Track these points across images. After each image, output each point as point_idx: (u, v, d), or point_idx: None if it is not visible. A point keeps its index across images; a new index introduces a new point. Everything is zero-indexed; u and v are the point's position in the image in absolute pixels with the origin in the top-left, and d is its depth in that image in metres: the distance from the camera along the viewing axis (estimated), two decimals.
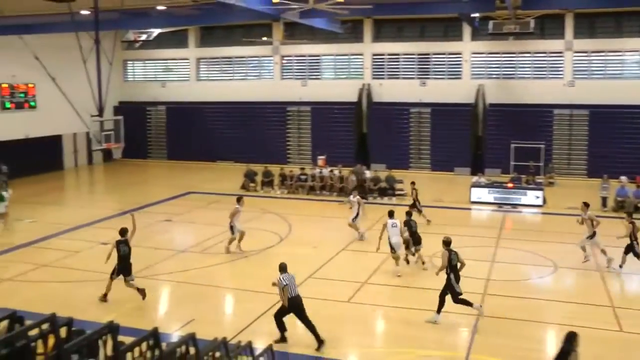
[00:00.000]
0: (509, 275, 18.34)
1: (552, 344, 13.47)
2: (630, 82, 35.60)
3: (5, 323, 5.55)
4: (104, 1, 25.18)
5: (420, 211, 24.53)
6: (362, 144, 39.85)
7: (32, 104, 38.76)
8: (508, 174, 32.98)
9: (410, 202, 25.10)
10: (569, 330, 9.61)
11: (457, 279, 14.71)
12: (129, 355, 5.62)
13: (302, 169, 32.81)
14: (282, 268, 13.98)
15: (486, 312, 14.89)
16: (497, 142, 36.40)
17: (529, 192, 28.67)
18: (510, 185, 29.24)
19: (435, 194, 29.96)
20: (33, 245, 22.08)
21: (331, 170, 31.99)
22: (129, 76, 47.83)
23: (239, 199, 21.50)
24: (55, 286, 17.70)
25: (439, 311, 14.70)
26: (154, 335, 5.93)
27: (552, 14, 34.34)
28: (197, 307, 15.89)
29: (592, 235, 19.14)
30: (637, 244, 18.26)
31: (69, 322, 5.90)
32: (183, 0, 29.85)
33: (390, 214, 19.39)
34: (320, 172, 31.93)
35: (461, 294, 14.63)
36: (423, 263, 19.11)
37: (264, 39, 37.51)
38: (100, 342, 5.49)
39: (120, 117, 28.33)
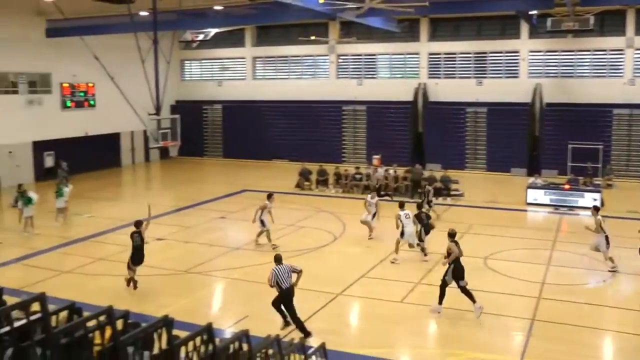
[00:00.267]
0: (564, 279, 17.91)
1: (608, 352, 13.18)
2: None
3: (64, 313, 5.65)
4: (163, 2, 25.55)
5: (430, 206, 24.45)
6: (418, 144, 39.60)
7: (92, 102, 39.64)
8: (565, 176, 32.35)
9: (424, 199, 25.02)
10: None
11: (460, 269, 14.96)
12: (182, 349, 5.66)
13: (357, 168, 32.74)
14: (277, 259, 14.32)
15: (541, 317, 14.62)
16: (554, 142, 35.75)
17: (586, 194, 27.97)
18: (567, 187, 28.59)
19: (491, 195, 29.59)
20: (91, 240, 22.52)
21: (386, 170, 31.84)
22: (186, 75, 48.47)
23: (270, 196, 21.91)
24: (111, 279, 18.00)
25: (473, 300, 14.77)
26: (208, 331, 5.96)
27: (613, 10, 33.54)
28: (250, 304, 15.97)
29: (607, 241, 18.45)
30: None
31: (126, 315, 5.98)
32: (240, 0, 30.13)
33: (401, 206, 20.16)
34: (376, 172, 31.80)
35: (447, 285, 14.95)
36: (425, 255, 19.71)
37: (312, 38, 37.54)
38: (155, 336, 5.55)
39: (177, 116, 28.68)
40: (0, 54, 33.32)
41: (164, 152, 31.53)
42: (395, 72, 42.14)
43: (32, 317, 4.63)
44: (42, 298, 4.76)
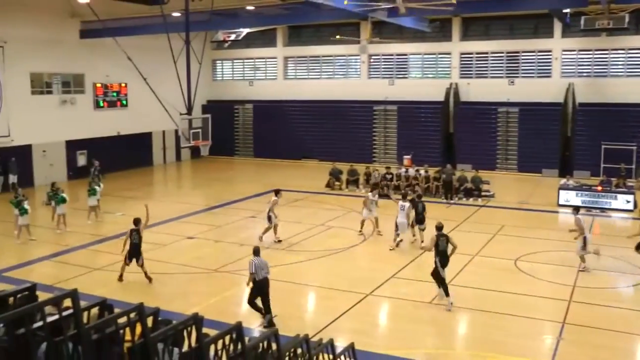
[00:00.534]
0: (596, 283, 17.65)
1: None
2: None
3: (95, 310, 5.72)
4: (195, 3, 25.72)
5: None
6: (449, 144, 39.42)
7: (124, 102, 40.08)
8: (597, 177, 31.90)
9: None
10: None
11: (444, 263, 15.46)
12: (212, 347, 5.70)
13: (388, 168, 32.64)
14: (256, 252, 14.76)
15: (572, 320, 14.46)
16: (586, 143, 35.32)
17: (619, 195, 27.56)
18: (599, 188, 28.15)
19: (522, 196, 29.35)
20: (122, 237, 22.68)
21: (417, 170, 31.72)
22: (218, 75, 48.75)
23: (277, 192, 22.43)
24: (141, 277, 18.15)
25: (439, 287, 15.57)
26: (238, 329, 5.99)
27: None
28: (279, 304, 15.97)
29: (584, 241, 18.45)
30: None
31: (156, 312, 6.03)
32: (272, 0, 30.23)
33: (403, 196, 21.93)
34: (406, 172, 31.69)
35: (444, 279, 15.44)
36: (422, 241, 20.64)
37: (338, 37, 37.56)
38: (184, 333, 5.60)
39: (208, 115, 28.83)
40: (35, 56, 33.88)
41: (195, 152, 31.72)
42: (426, 72, 41.96)
43: (65, 313, 4.70)
44: (74, 294, 4.82)
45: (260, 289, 14.46)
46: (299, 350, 7.66)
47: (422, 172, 31.38)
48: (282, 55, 45.59)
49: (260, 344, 6.65)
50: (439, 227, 15.96)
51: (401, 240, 21.17)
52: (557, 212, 27.32)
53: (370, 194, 23.73)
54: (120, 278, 17.68)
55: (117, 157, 37.74)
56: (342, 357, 9.40)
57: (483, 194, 29.68)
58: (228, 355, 5.82)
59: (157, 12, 25.97)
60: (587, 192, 27.98)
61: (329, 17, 33.31)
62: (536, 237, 22.26)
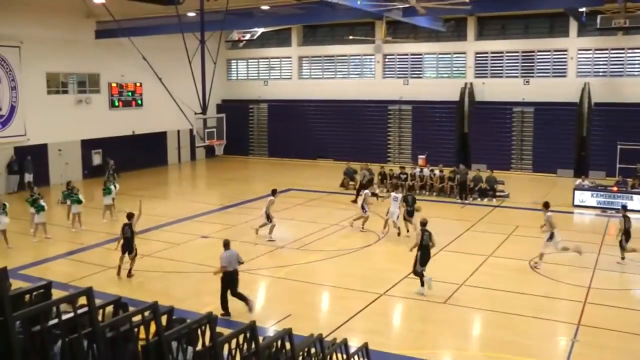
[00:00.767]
0: (611, 284, 17.57)
1: None
2: None
3: (110, 308, 5.74)
4: (210, 2, 25.78)
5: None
6: (463, 144, 39.31)
7: (139, 102, 40.25)
8: (613, 177, 31.68)
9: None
10: None
11: (425, 257, 16.26)
12: (226, 346, 5.71)
13: (402, 168, 32.58)
14: (226, 244, 15.51)
15: (587, 322, 14.37)
16: (602, 143, 35.09)
17: (635, 196, 27.28)
18: (615, 189, 27.96)
19: (537, 196, 29.19)
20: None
21: (432, 170, 31.65)
22: (232, 75, 48.84)
23: (274, 192, 23.23)
24: (155, 276, 18.24)
25: (422, 284, 16.32)
26: (251, 329, 6.00)
27: None
28: (293, 303, 16.04)
29: (551, 237, 18.66)
30: None
31: (170, 311, 6.04)
32: (287, 0, 30.25)
33: (395, 187, 24.57)
34: (421, 172, 31.63)
35: (420, 271, 16.24)
36: (407, 231, 22.49)
37: (350, 37, 37.55)
38: (199, 332, 5.61)
39: (223, 115, 28.87)
40: (51, 56, 34.12)
41: (210, 151, 31.76)
42: (441, 71, 41.85)
43: (80, 311, 4.72)
44: (89, 292, 4.85)
45: (230, 281, 15.08)
46: (313, 350, 7.66)
47: (436, 172, 31.30)
48: (297, 55, 45.62)
49: (274, 343, 6.65)
50: (424, 223, 16.75)
51: (399, 234, 22.54)
52: (572, 212, 27.16)
53: (366, 191, 24.57)
54: (118, 272, 18.05)
55: (132, 157, 37.94)
56: (356, 357, 9.40)
57: (498, 194, 29.58)
58: (242, 355, 5.83)
59: (172, 12, 26.05)
60: (602, 193, 27.83)
61: (343, 16, 33.31)
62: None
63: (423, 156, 37.03)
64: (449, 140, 39.26)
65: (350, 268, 19.04)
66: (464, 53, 40.16)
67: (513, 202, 28.70)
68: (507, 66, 39.35)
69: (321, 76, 45.39)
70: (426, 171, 31.58)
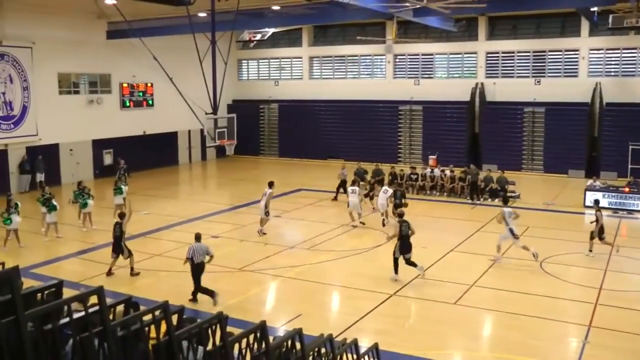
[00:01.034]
0: (623, 286, 17.46)
1: None
2: None
3: (121, 307, 5.76)
4: (221, 3, 25.84)
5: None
6: (474, 144, 39.23)
7: (150, 102, 40.38)
8: (625, 178, 31.57)
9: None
10: None
11: (404, 246, 17.32)
12: (236, 345, 5.72)
13: (413, 168, 32.53)
14: (197, 237, 16.24)
15: (598, 324, 14.28)
16: (613, 143, 34.92)
17: None
18: (626, 189, 27.79)
19: (548, 197, 29.11)
20: (147, 236, 22.90)
21: (442, 170, 31.59)
22: (243, 75, 48.91)
23: (271, 184, 23.36)
24: (166, 275, 18.29)
25: (396, 272, 17.44)
26: (262, 328, 6.00)
27: None
28: (304, 303, 16.04)
29: (511, 232, 19.15)
30: None
31: (181, 310, 6.06)
32: (297, 0, 30.27)
33: (389, 183, 26.19)
34: (431, 172, 31.58)
35: (397, 258, 17.36)
36: (384, 225, 23.59)
37: (358, 38, 37.56)
38: (209, 332, 5.62)
39: (233, 115, 28.98)
40: (63, 56, 34.27)
41: (221, 151, 31.92)
42: (452, 71, 41.78)
43: (91, 310, 4.74)
44: (100, 291, 4.86)
45: (195, 270, 15.75)
46: (323, 350, 7.66)
47: (447, 172, 31.26)
48: (308, 55, 45.64)
49: (284, 343, 6.66)
50: (401, 215, 18.15)
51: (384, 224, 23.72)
52: (583, 213, 26.99)
53: (355, 186, 25.28)
54: (108, 273, 18.19)
55: (143, 157, 38.07)
56: (366, 357, 9.39)
57: (508, 194, 29.45)
58: (252, 354, 5.84)
59: (183, 13, 26.14)
60: (614, 194, 27.66)
61: (354, 17, 33.31)
62: (562, 239, 22.08)
63: (434, 156, 36.99)
64: (460, 140, 39.20)
65: (360, 268, 19.03)
66: (475, 53, 40.07)
67: (524, 203, 28.55)
68: (518, 66, 39.24)
69: (332, 76, 45.39)
70: (437, 171, 31.52)
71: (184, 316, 6.31)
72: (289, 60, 46.80)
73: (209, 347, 5.56)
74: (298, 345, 6.77)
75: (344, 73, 44.98)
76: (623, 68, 36.60)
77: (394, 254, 17.47)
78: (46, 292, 5.68)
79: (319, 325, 12.80)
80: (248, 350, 5.81)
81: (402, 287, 17.00)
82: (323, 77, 45.78)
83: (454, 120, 39.92)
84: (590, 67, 37.15)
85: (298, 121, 44.17)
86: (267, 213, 22.81)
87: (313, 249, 21.24)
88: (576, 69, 37.47)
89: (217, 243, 22.05)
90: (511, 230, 19.06)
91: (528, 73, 38.85)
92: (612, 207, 27.11)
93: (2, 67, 31.34)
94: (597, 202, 21.53)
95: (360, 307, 15.45)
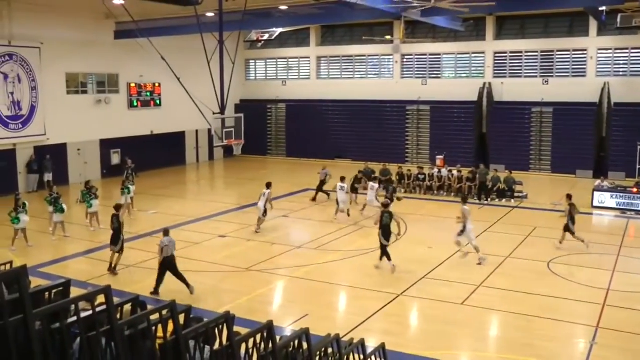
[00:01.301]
0: (631, 287, 17.33)
1: None
2: None
3: (128, 306, 5.78)
4: (228, 3, 25.85)
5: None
6: (482, 144, 39.16)
7: (158, 102, 40.47)
8: (633, 178, 31.45)
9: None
10: None
11: (385, 233, 18.34)
12: (243, 345, 5.72)
13: (421, 168, 32.48)
14: (165, 232, 16.67)
15: (606, 325, 14.23)
16: (622, 143, 34.79)
17: None
18: (635, 190, 27.64)
19: (555, 197, 29.01)
20: (155, 235, 22.89)
21: (450, 171, 31.54)
22: (251, 75, 48.95)
23: (269, 185, 24.06)
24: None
25: (381, 258, 18.48)
26: (269, 328, 6.00)
27: None
28: (311, 303, 16.05)
29: (463, 230, 19.46)
30: None
31: (188, 310, 6.07)
32: (305, 0, 30.28)
33: (374, 179, 28.52)
34: (439, 172, 31.52)
35: (386, 245, 18.35)
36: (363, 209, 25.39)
37: (364, 38, 37.55)
38: (216, 331, 5.62)
39: (241, 115, 28.95)
40: (71, 56, 34.40)
41: (228, 151, 31.89)
42: (460, 71, 41.71)
43: (98, 309, 4.75)
44: (107, 290, 4.87)
45: (167, 265, 16.28)
46: (330, 350, 7.66)
47: (454, 172, 31.20)
48: (315, 55, 45.64)
49: (291, 343, 6.66)
50: (385, 205, 19.21)
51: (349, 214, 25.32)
52: (591, 214, 26.92)
53: (343, 183, 25.80)
54: (110, 268, 18.42)
55: (151, 156, 38.12)
56: (373, 357, 9.39)
57: (516, 195, 29.43)
58: (259, 354, 5.84)
59: (191, 13, 26.14)
60: (622, 194, 27.55)
61: (362, 16, 33.30)
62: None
63: (441, 157, 36.93)
64: (467, 140, 39.13)
65: (367, 268, 19.02)
66: (483, 53, 40.00)
67: (531, 203, 28.53)
68: (526, 66, 39.14)
69: (339, 76, 45.38)
70: (444, 172, 31.47)
71: (191, 315, 6.33)
72: (297, 60, 46.82)
73: (216, 346, 5.56)
74: (305, 345, 6.77)
75: (351, 73, 44.96)
76: (631, 68, 36.45)
77: (381, 243, 18.43)
78: (54, 291, 5.69)
79: (326, 325, 12.81)
80: (255, 350, 5.81)
81: (409, 287, 17.00)
82: (330, 77, 45.77)
83: (462, 120, 39.87)
84: (599, 67, 37.03)
85: (305, 121, 44.17)
86: (264, 213, 23.29)
87: (320, 249, 21.24)
88: (584, 68, 37.36)
89: (225, 243, 22.13)
90: (464, 228, 19.39)
91: (536, 73, 38.75)
92: (621, 207, 27.02)
93: (10, 67, 31.45)
94: (569, 196, 21.72)
95: (367, 307, 15.45)
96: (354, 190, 28.32)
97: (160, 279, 16.40)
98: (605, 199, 27.57)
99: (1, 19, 31.10)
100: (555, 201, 28.10)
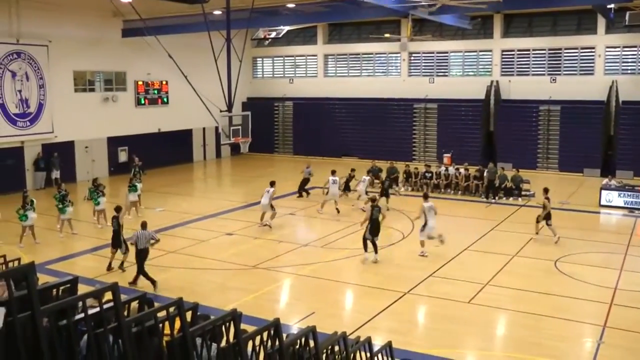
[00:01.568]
0: (639, 286, 17.27)
1: None
2: None
3: (135, 303, 5.80)
4: (236, 1, 25.87)
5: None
6: (489, 143, 39.08)
7: (165, 100, 40.53)
8: None
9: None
10: None
11: (373, 228, 18.94)
12: (250, 343, 5.73)
13: (428, 166, 32.43)
14: (142, 225, 17.38)
15: (613, 324, 14.18)
16: (630, 142, 34.69)
17: None
18: None
19: (563, 196, 28.94)
20: (162, 233, 22.86)
21: (457, 169, 31.49)
22: (258, 73, 48.95)
23: (272, 183, 24.33)
24: (181, 272, 18.36)
25: (366, 250, 19.16)
26: (275, 326, 6.02)
27: None
28: (318, 301, 16.05)
29: (425, 226, 19.96)
30: None
31: (195, 307, 6.09)
32: None
33: (367, 172, 29.98)
34: (446, 170, 31.47)
35: (367, 239, 18.98)
36: (387, 209, 25.18)
37: (370, 36, 37.45)
38: (223, 328, 5.64)
39: (248, 113, 28.96)
40: (79, 54, 34.50)
41: (235, 149, 31.92)
42: (467, 69, 41.62)
43: (105, 306, 4.77)
44: (114, 288, 4.89)
45: (139, 256, 16.84)
46: (337, 348, 7.66)
47: (462, 170, 31.15)
48: (322, 53, 45.61)
49: (298, 341, 6.67)
50: (373, 200, 20.16)
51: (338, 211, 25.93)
52: (598, 212, 26.86)
53: (334, 177, 26.71)
54: (108, 268, 18.46)
55: (158, 154, 38.18)
56: (379, 355, 9.39)
57: (523, 193, 29.36)
58: (266, 351, 5.85)
59: (198, 11, 26.18)
60: (629, 193, 27.44)
61: (369, 14, 33.26)
62: (577, 238, 21.95)
63: (448, 155, 36.87)
64: (475, 138, 39.06)
65: (374, 266, 19.01)
66: (490, 51, 39.91)
67: (539, 202, 28.41)
68: (533, 64, 39.04)
69: (346, 74, 45.35)
70: (451, 170, 31.41)
71: (198, 313, 6.34)
72: (304, 58, 46.80)
73: (223, 344, 5.58)
74: (312, 343, 6.78)
75: (358, 71, 44.91)
76: None
77: (364, 235, 19.10)
78: (61, 288, 5.72)
79: (332, 323, 12.80)
80: (262, 347, 5.82)
81: (415, 285, 16.98)
82: (338, 75, 45.75)
83: (469, 118, 39.80)
84: (607, 65, 36.89)
85: (313, 119, 44.16)
86: (272, 208, 23.76)
87: (326, 247, 21.24)
88: (592, 66, 37.23)
89: (232, 240, 22.15)
90: (426, 224, 19.86)
91: (544, 71, 38.65)
92: (628, 206, 26.94)
93: (18, 65, 31.55)
94: (546, 190, 22.48)
95: (374, 305, 15.44)
96: (347, 188, 29.07)
97: (149, 277, 16.90)
98: (612, 197, 27.47)
99: (9, 17, 31.19)
100: (562, 200, 28.04)
